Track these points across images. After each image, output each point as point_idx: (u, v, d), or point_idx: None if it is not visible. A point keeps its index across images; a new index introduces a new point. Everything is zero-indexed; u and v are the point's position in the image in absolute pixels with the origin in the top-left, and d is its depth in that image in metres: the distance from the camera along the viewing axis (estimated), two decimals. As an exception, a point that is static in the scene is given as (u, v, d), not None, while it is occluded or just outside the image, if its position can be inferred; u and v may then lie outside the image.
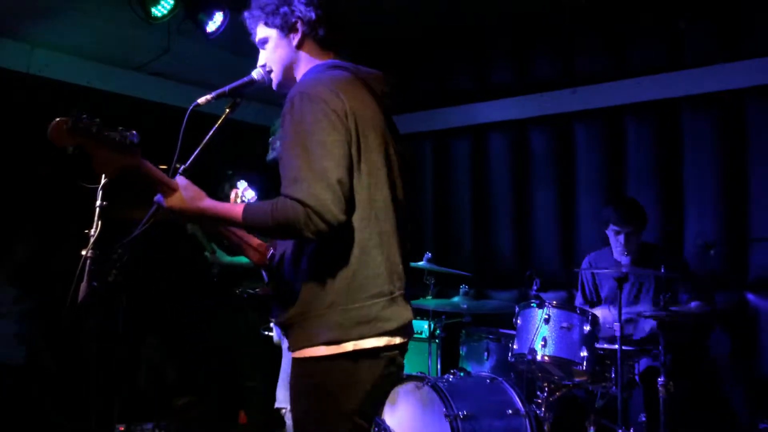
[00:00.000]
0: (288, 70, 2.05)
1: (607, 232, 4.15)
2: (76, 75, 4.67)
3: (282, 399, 3.42)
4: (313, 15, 2.01)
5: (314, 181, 1.72)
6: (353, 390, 1.86)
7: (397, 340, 1.91)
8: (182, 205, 1.83)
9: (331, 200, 1.72)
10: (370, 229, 1.86)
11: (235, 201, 2.59)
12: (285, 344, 3.42)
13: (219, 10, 4.44)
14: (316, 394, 1.86)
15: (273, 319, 2.05)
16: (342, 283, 1.83)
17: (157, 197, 1.86)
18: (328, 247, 1.83)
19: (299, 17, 2.00)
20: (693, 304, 3.88)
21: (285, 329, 1.96)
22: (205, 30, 4.46)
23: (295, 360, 1.91)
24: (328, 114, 1.79)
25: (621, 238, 4.02)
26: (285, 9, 2.00)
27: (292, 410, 1.95)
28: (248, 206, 1.82)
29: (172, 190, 1.83)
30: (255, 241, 2.10)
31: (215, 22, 4.45)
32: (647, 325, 3.88)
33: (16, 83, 4.43)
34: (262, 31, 2.06)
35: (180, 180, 1.86)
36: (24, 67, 4.46)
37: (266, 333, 3.58)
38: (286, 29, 2.02)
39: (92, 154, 1.71)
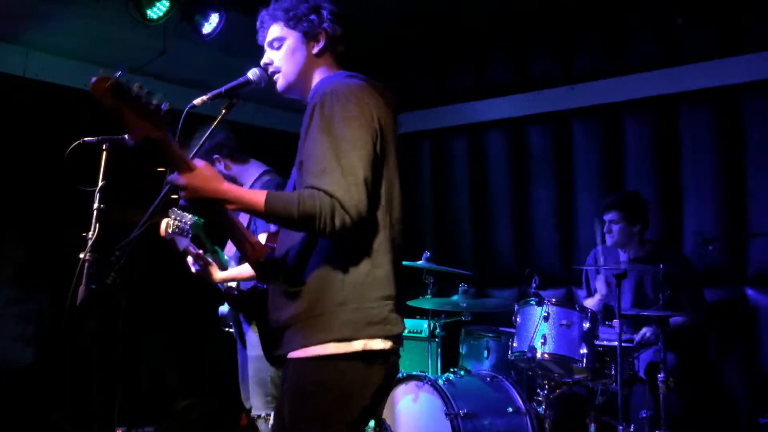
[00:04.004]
0: (302, 75, 2.08)
1: None
2: (72, 78, 4.65)
3: (260, 406, 3.36)
4: (338, 30, 2.08)
5: (343, 175, 1.74)
6: (362, 394, 1.85)
7: (397, 345, 1.92)
8: (201, 184, 1.76)
9: (357, 195, 1.74)
10: (384, 231, 1.88)
11: (167, 231, 2.55)
12: (253, 349, 3.36)
13: (215, 11, 4.43)
14: (326, 397, 1.82)
15: (270, 318, 2.01)
16: (356, 282, 1.83)
17: (172, 176, 1.78)
18: (344, 244, 1.83)
19: (325, 29, 2.07)
20: (679, 319, 3.88)
21: (282, 329, 1.91)
22: (200, 31, 4.45)
23: (296, 360, 1.86)
24: (357, 114, 1.83)
25: (605, 226, 4.09)
26: (314, 17, 2.06)
27: (289, 412, 1.88)
28: (272, 194, 1.77)
29: (191, 169, 1.76)
30: (253, 237, 2.10)
31: (211, 23, 4.45)
32: (649, 331, 3.83)
33: (13, 87, 4.42)
34: (279, 31, 2.08)
35: (199, 161, 1.82)
36: (20, 70, 4.45)
37: (227, 330, 3.54)
38: (310, 37, 2.07)
39: (124, 118, 1.68)
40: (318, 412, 1.82)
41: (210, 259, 2.57)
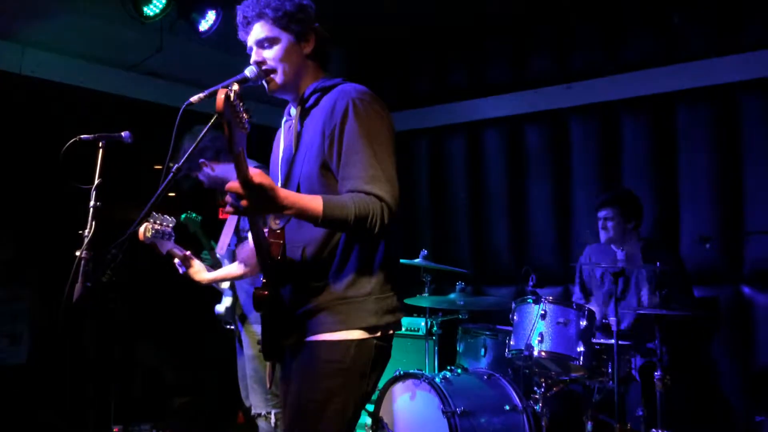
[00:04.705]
0: (295, 76, 2.11)
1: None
2: (68, 75, 4.64)
3: (259, 404, 3.38)
4: (324, 33, 2.16)
5: (386, 181, 1.91)
6: (375, 371, 2.05)
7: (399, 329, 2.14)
8: (263, 197, 1.71)
9: (396, 196, 1.91)
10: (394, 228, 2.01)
11: (146, 235, 2.51)
12: (250, 349, 3.38)
13: (211, 8, 4.43)
14: (347, 375, 1.98)
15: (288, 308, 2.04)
16: (380, 275, 2.02)
17: (233, 186, 1.71)
18: (368, 241, 2.00)
19: (315, 30, 2.13)
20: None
21: (305, 316, 2.00)
22: (197, 29, 4.45)
23: (317, 343, 1.99)
24: (385, 117, 2.01)
25: (600, 222, 4.15)
26: (303, 17, 2.10)
27: (305, 392, 1.98)
28: (327, 200, 1.84)
29: (251, 179, 1.69)
30: (267, 238, 2.08)
31: (208, 20, 4.44)
32: (630, 317, 3.94)
33: (9, 84, 4.40)
34: (269, 31, 2.07)
35: (252, 169, 1.74)
36: (16, 67, 4.43)
37: (228, 327, 3.55)
38: (302, 38, 2.11)
39: (230, 133, 1.64)
40: (339, 389, 1.97)
41: (198, 261, 2.55)
